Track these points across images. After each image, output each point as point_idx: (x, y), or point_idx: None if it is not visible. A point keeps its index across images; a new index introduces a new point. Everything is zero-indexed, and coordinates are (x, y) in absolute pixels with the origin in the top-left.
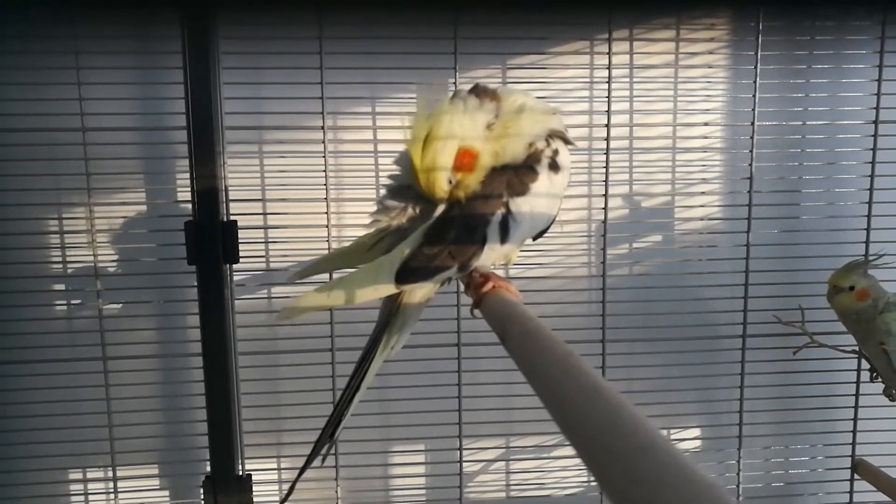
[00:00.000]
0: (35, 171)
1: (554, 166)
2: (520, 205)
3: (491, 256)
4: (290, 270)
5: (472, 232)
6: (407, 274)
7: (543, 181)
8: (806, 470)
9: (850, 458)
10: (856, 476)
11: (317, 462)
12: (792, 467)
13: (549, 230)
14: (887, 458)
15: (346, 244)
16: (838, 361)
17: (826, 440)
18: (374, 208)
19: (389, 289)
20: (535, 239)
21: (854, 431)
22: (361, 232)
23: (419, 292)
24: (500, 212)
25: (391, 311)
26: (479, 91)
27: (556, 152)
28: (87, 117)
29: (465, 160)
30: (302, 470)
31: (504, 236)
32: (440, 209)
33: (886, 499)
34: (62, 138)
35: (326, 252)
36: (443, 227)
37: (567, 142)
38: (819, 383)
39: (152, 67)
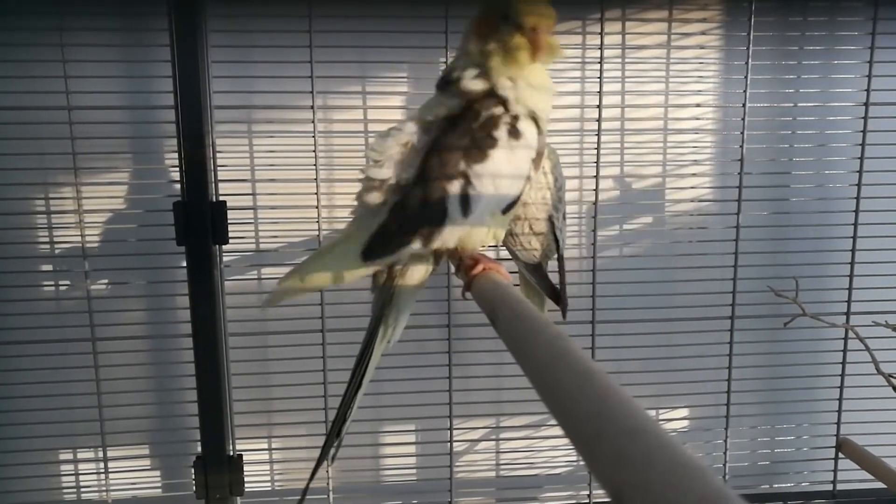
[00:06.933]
0: (20, 151)
1: (514, 133)
2: (479, 173)
3: (456, 230)
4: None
5: (431, 205)
6: (371, 250)
7: (503, 148)
8: (791, 449)
9: (834, 438)
10: (840, 455)
11: (309, 443)
12: (778, 446)
13: (517, 203)
14: (871, 438)
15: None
16: (824, 342)
17: (811, 420)
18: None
19: (359, 266)
20: (504, 213)
21: (839, 411)
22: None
23: (414, 276)
24: (460, 182)
25: (385, 303)
26: None
27: (515, 118)
28: (73, 96)
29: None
30: (313, 473)
31: (466, 208)
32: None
33: (870, 477)
34: (47, 117)
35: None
36: (404, 203)
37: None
38: (805, 364)
39: (139, 45)
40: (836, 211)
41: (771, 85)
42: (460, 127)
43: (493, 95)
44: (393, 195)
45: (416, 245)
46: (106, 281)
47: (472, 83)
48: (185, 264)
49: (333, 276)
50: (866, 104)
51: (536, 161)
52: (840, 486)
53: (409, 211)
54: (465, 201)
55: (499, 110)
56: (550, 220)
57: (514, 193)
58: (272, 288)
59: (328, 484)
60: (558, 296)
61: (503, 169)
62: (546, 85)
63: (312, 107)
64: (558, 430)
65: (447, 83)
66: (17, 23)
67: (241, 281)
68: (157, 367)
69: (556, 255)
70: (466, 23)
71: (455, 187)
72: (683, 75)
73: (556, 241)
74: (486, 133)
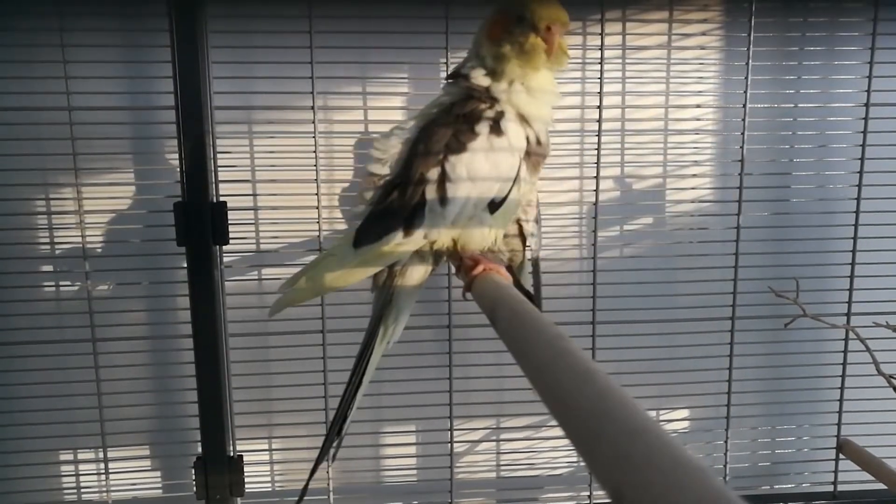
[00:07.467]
0: (21, 151)
1: (496, 129)
2: (454, 164)
3: (436, 220)
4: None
5: (410, 194)
6: (359, 240)
7: (482, 143)
8: (792, 450)
9: (835, 439)
10: (841, 456)
11: (309, 443)
12: (778, 447)
13: (506, 202)
14: (872, 438)
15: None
16: (825, 343)
17: (812, 420)
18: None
19: (354, 258)
20: (492, 212)
21: (840, 412)
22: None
23: (413, 276)
24: (436, 170)
25: (385, 303)
26: None
27: (500, 114)
28: (74, 96)
29: None
30: (312, 472)
31: (443, 198)
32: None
33: (871, 478)
34: (48, 117)
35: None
36: (389, 191)
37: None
38: (806, 364)
39: (140, 46)
40: (837, 212)
41: (771, 85)
42: (447, 119)
43: (487, 92)
44: (384, 186)
45: (399, 233)
46: (107, 282)
47: (480, 79)
48: (185, 265)
49: (338, 277)
50: (867, 104)
51: (534, 163)
52: (841, 488)
53: (392, 199)
54: (442, 191)
55: (485, 105)
56: (519, 223)
57: (494, 190)
58: (281, 292)
59: (328, 484)
60: (531, 299)
61: (481, 163)
62: (548, 89)
63: (313, 107)
64: (559, 431)
65: (456, 76)
66: (17, 23)
67: (241, 281)
68: (158, 367)
69: (526, 259)
70: (479, 24)
71: (432, 176)
72: (684, 76)
73: (524, 243)
74: (467, 127)
